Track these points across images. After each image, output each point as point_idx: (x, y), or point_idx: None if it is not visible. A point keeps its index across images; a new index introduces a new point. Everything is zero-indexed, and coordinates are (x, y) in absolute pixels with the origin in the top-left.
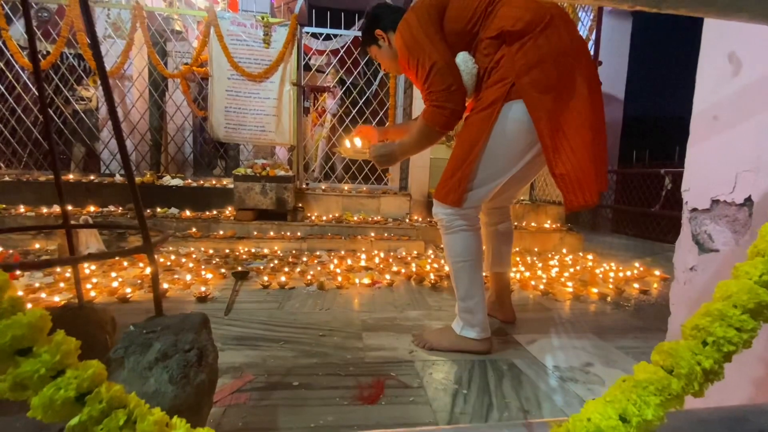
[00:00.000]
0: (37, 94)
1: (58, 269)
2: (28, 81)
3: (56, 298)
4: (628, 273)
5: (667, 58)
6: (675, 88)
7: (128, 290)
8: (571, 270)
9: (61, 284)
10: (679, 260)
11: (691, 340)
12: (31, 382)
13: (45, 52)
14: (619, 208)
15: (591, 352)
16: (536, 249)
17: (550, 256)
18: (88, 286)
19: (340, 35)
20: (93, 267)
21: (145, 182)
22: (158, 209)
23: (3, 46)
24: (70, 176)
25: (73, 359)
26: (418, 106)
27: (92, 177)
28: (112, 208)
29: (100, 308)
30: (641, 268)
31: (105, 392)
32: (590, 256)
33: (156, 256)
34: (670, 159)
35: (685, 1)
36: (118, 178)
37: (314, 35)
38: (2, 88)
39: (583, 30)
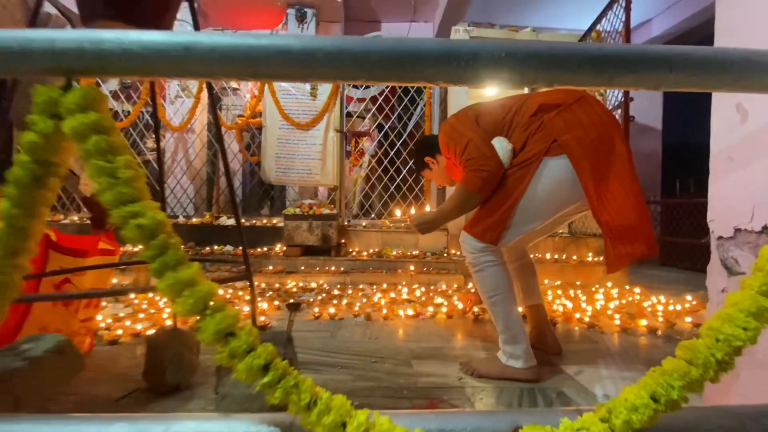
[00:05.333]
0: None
1: (136, 300)
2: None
3: (138, 326)
4: (678, 307)
5: None
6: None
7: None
8: (616, 302)
9: (141, 315)
10: (711, 283)
11: (707, 338)
12: (237, 353)
13: (126, 112)
14: (667, 240)
15: None
16: (578, 282)
17: (594, 289)
18: (164, 315)
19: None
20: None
21: (204, 222)
22: (215, 246)
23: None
24: None
25: (257, 341)
26: None
27: None
28: None
29: (188, 332)
30: (694, 302)
31: (279, 364)
32: (637, 290)
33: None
34: None
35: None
36: (180, 219)
37: (354, 85)
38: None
39: None
